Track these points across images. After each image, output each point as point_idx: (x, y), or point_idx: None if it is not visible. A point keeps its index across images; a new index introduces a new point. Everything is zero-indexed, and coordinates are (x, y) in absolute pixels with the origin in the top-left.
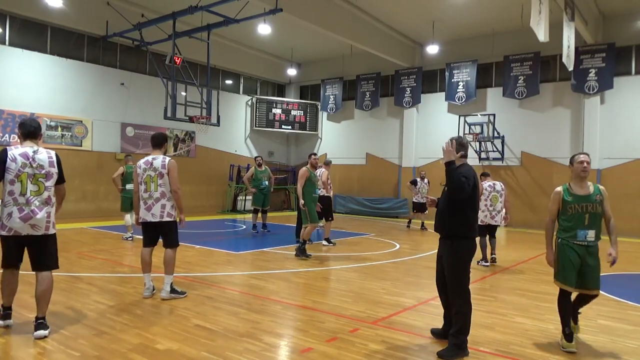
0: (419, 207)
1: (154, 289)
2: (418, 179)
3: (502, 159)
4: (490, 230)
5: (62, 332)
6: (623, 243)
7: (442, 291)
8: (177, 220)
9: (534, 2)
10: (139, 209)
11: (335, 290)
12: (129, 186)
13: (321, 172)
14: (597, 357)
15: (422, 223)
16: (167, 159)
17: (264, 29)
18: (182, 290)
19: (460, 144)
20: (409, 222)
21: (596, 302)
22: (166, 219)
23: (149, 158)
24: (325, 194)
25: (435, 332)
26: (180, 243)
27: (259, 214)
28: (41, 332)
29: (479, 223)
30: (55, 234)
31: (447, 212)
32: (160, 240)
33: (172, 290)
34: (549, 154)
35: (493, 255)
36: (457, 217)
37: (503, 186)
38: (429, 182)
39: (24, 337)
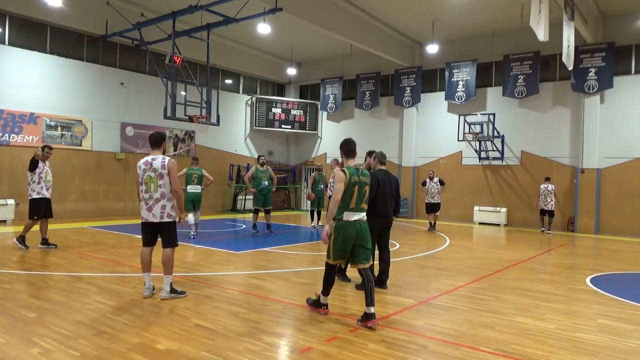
0: (428, 208)
1: (154, 289)
2: (427, 180)
3: (502, 158)
4: (547, 213)
5: (62, 332)
6: (623, 243)
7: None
8: (178, 220)
9: (534, 2)
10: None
11: (335, 290)
12: (190, 187)
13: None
14: (597, 357)
15: (432, 224)
16: (167, 159)
17: (263, 28)
18: (182, 289)
19: (382, 156)
20: (430, 224)
21: (596, 302)
22: (166, 219)
23: (149, 158)
24: None
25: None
26: (180, 243)
27: (260, 214)
28: None
29: (540, 208)
30: None
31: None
32: (159, 240)
33: (172, 290)
34: (549, 153)
35: (549, 232)
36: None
37: (554, 187)
38: (440, 182)
39: (24, 337)
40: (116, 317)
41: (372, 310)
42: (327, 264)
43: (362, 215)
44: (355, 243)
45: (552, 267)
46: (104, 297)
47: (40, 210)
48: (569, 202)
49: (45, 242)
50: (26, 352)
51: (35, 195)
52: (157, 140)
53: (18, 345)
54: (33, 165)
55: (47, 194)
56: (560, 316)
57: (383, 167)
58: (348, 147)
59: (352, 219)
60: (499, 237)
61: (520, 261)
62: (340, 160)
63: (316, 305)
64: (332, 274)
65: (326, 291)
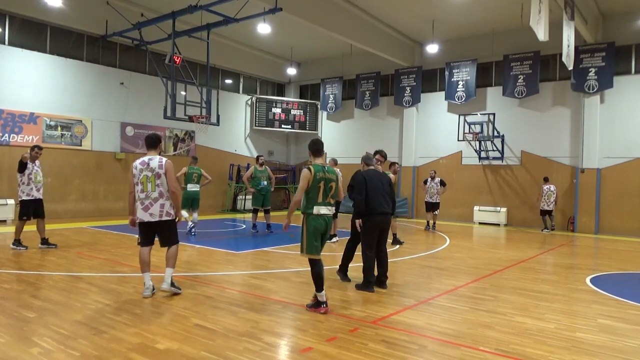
0: (427, 207)
1: (154, 289)
2: (428, 179)
3: (502, 158)
4: (547, 213)
5: (62, 332)
6: (622, 242)
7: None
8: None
9: (534, 2)
10: (135, 209)
11: (335, 290)
12: (190, 186)
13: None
14: (596, 357)
15: (430, 223)
16: (164, 159)
17: (263, 28)
18: (179, 286)
19: (367, 158)
20: (427, 223)
21: (596, 301)
22: (165, 218)
23: (145, 159)
24: None
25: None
26: (180, 242)
27: (259, 214)
28: None
29: (541, 208)
30: None
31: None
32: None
33: (172, 284)
34: (549, 153)
35: (553, 225)
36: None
37: (555, 187)
38: (441, 182)
39: (23, 337)
40: (116, 317)
41: (324, 296)
42: (310, 261)
43: (329, 209)
44: (324, 234)
45: (552, 267)
46: (104, 297)
47: (29, 211)
48: (569, 202)
49: (45, 241)
50: (26, 352)
51: (24, 197)
52: (153, 142)
53: (18, 345)
54: (22, 166)
55: (37, 195)
56: (560, 316)
57: (372, 168)
58: (315, 147)
59: (321, 212)
60: (498, 237)
61: (520, 261)
62: (336, 160)
63: (315, 306)
64: (317, 269)
65: (319, 287)
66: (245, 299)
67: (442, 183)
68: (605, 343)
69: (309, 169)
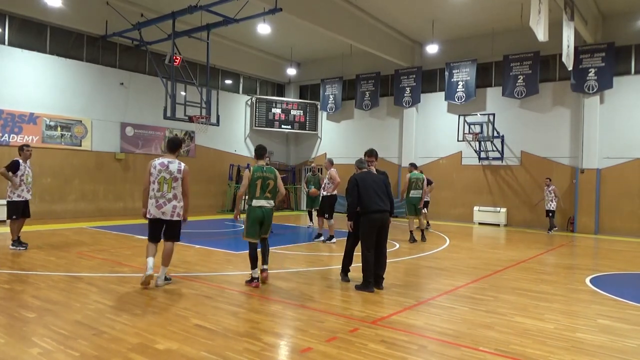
0: None
1: (151, 283)
2: None
3: (501, 158)
4: (550, 212)
5: (62, 332)
6: (622, 243)
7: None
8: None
9: (534, 2)
10: (147, 203)
11: (335, 290)
12: None
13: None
14: (596, 357)
15: (426, 223)
16: (183, 165)
17: (263, 28)
18: (170, 277)
19: (359, 162)
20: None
21: (595, 302)
22: (176, 218)
23: (165, 161)
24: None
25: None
26: (180, 243)
27: None
28: None
29: (549, 209)
30: None
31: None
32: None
33: (165, 278)
34: (549, 153)
35: (556, 227)
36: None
37: (555, 188)
38: (426, 181)
39: (23, 337)
40: (116, 317)
41: (266, 267)
42: (249, 244)
43: (266, 202)
44: (262, 222)
45: (551, 267)
46: (104, 297)
47: (18, 211)
48: (568, 202)
49: (17, 240)
50: (26, 352)
51: (15, 198)
52: (175, 145)
53: (18, 345)
54: (15, 167)
55: (27, 196)
56: (559, 316)
57: (365, 170)
58: (258, 152)
59: (258, 205)
60: (498, 237)
61: (519, 261)
62: (332, 160)
63: (250, 281)
64: (253, 251)
65: (253, 266)
66: (245, 299)
67: (428, 182)
68: (604, 343)
69: (249, 169)
